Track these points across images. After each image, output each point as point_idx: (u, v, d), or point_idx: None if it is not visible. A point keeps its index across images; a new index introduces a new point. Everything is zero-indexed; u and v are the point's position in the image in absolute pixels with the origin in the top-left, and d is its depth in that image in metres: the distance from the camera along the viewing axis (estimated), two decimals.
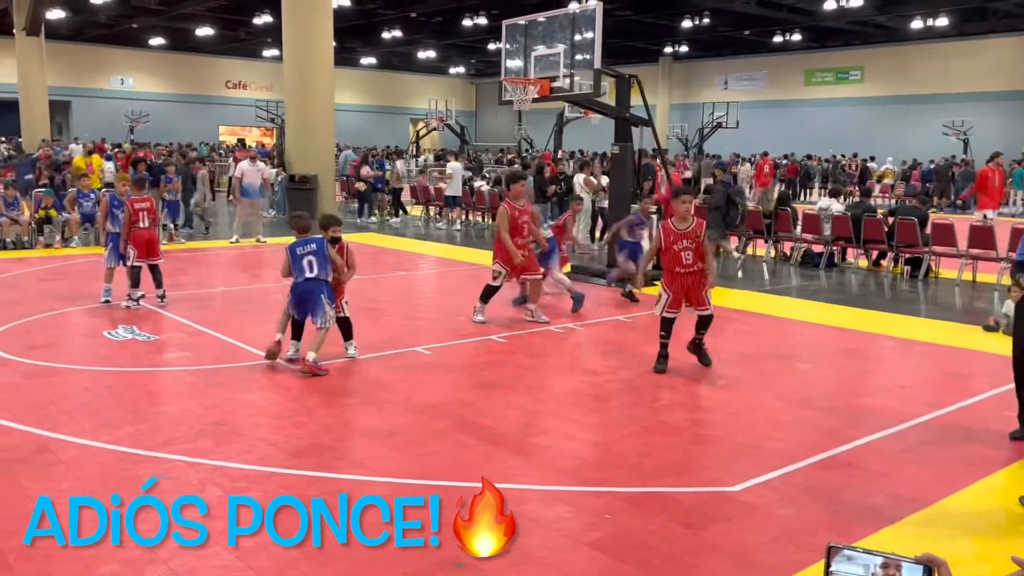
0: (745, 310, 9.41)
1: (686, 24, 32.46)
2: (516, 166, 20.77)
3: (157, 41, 39.76)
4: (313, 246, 6.71)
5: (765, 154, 28.52)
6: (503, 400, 6.12)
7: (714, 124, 33.20)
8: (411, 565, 3.63)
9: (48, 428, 5.22)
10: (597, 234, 15.13)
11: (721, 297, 10.46)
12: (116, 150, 26.08)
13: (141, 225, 8.81)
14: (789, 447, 5.24)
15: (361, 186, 19.16)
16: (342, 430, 5.50)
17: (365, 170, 19.86)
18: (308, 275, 6.64)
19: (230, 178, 22.29)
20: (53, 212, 13.82)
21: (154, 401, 6.00)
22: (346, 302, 7.19)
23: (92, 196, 14.02)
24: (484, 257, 13.74)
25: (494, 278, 8.51)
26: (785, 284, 11.84)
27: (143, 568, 3.55)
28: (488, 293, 8.58)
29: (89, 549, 3.68)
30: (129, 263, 8.80)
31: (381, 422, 5.54)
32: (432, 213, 19.89)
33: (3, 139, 29.97)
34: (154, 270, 8.93)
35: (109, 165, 19.92)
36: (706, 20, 31.66)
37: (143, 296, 8.84)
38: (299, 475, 4.58)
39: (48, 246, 13.46)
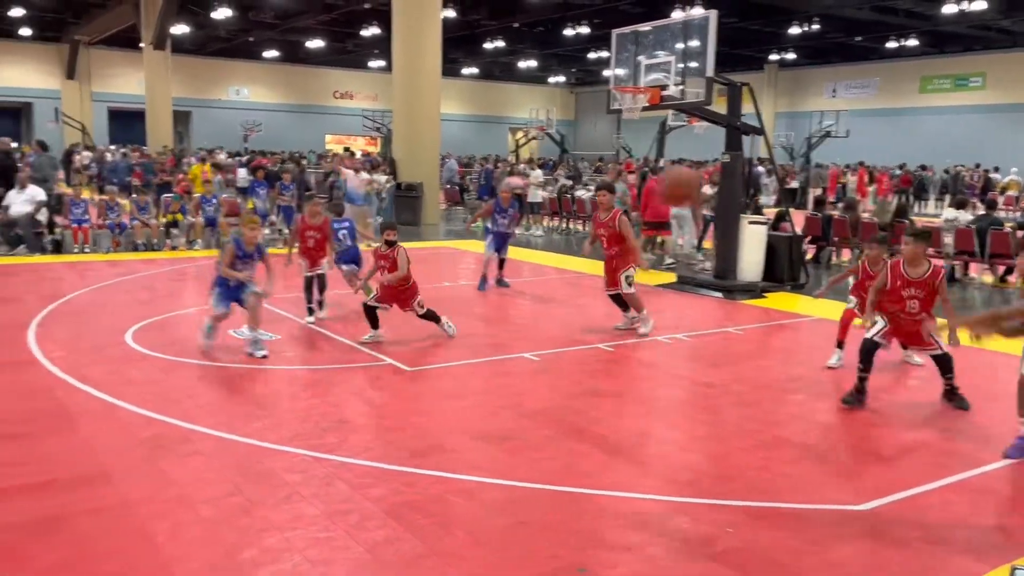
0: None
1: (794, 31, 31.62)
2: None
3: (271, 53, 41.54)
4: (347, 224, 9.11)
5: (861, 163, 27.49)
6: (614, 408, 6.13)
7: (823, 133, 32.17)
8: (535, 568, 3.69)
9: (185, 420, 5.54)
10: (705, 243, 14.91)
11: (829, 310, 10.16)
12: (238, 158, 27.42)
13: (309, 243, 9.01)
14: (914, 468, 5.05)
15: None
16: (458, 432, 5.61)
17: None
18: (347, 244, 9.09)
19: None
20: (179, 216, 14.66)
21: (279, 398, 6.27)
22: (419, 303, 7.81)
23: (214, 201, 14.82)
24: (580, 264, 13.77)
25: (628, 283, 8.55)
26: None
27: (279, 555, 3.73)
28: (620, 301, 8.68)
29: (231, 536, 3.91)
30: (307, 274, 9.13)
31: (494, 426, 5.63)
32: (531, 222, 20.04)
33: (126, 146, 31.78)
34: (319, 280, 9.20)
35: (242, 172, 21.06)
36: (815, 26, 30.72)
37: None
38: (420, 474, 4.71)
39: (174, 248, 14.27)
